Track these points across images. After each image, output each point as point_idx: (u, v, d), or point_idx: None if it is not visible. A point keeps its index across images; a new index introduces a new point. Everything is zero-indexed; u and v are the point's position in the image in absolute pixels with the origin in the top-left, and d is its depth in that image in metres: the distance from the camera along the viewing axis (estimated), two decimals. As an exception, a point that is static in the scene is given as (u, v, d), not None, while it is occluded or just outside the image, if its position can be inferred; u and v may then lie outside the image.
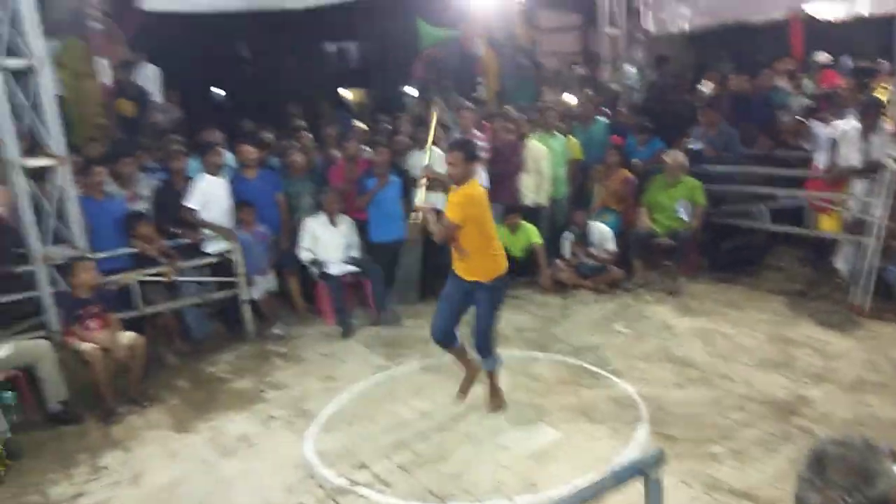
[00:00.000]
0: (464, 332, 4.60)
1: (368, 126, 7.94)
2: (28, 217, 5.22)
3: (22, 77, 5.17)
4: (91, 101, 7.95)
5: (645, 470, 1.95)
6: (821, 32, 9.12)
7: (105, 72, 8.23)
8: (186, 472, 4.17)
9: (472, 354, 4.57)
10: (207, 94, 18.21)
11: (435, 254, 6.03)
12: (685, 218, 6.77)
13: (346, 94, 20.07)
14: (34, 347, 4.93)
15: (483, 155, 6.95)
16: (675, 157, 6.86)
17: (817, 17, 8.03)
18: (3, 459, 4.33)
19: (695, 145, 7.20)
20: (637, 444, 3.99)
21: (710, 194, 6.89)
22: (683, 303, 6.29)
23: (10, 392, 4.82)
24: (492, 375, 4.56)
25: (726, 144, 7.11)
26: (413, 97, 10.62)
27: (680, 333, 5.61)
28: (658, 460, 1.93)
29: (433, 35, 10.68)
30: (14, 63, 5.04)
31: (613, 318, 6.07)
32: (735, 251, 6.89)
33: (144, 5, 8.32)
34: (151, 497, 3.94)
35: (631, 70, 9.19)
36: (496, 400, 4.55)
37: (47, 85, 5.23)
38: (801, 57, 9.47)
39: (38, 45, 5.12)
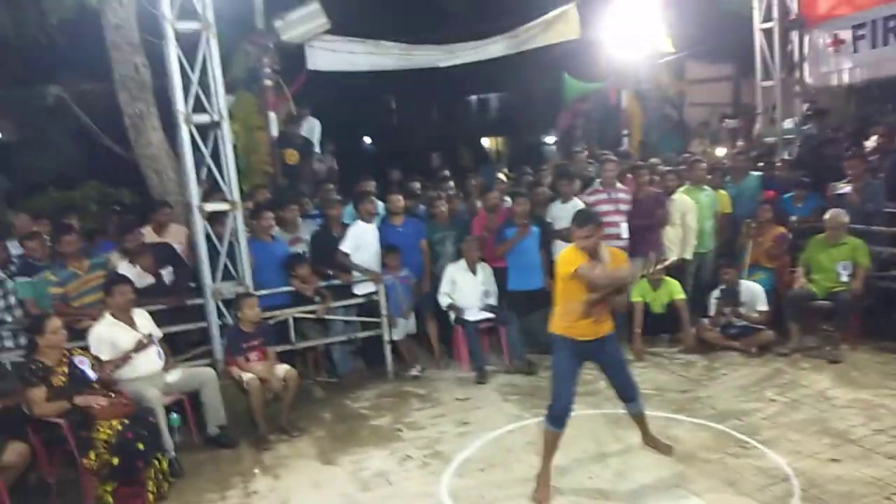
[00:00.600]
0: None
1: (511, 177, 8.12)
2: (203, 255, 5.78)
3: (205, 130, 5.81)
4: (261, 151, 8.71)
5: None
6: None
7: (273, 124, 9.01)
8: (328, 503, 4.38)
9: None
10: (359, 144, 19.40)
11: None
12: (847, 280, 6.31)
13: (486, 142, 20.63)
14: (200, 374, 5.41)
15: (624, 207, 6.91)
16: (837, 214, 6.46)
17: None
18: (168, 476, 4.76)
19: (843, 191, 6.79)
20: (789, 521, 3.73)
21: (876, 257, 6.42)
22: (844, 372, 5.83)
23: (176, 414, 5.31)
24: (639, 421, 4.55)
25: (871, 196, 6.67)
26: (553, 148, 10.79)
27: (839, 405, 5.20)
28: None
29: (579, 88, 10.83)
30: (200, 119, 5.67)
31: (764, 384, 5.73)
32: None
33: (309, 64, 9.09)
34: (296, 524, 4.17)
35: (788, 123, 8.79)
36: (663, 444, 4.55)
37: (226, 138, 5.82)
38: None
39: (221, 103, 5.74)
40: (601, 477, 4.41)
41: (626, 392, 4.40)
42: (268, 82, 8.99)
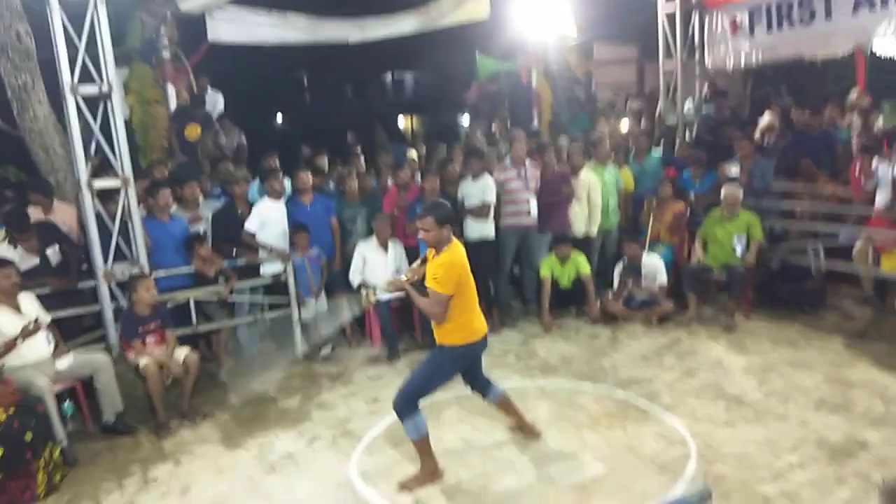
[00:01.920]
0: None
1: (422, 155, 8.07)
2: (93, 235, 5.45)
3: (94, 102, 5.46)
4: (158, 126, 8.27)
5: None
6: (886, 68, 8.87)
7: (172, 98, 8.60)
8: (233, 488, 4.26)
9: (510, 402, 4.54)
10: (270, 121, 18.86)
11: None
12: (741, 253, 6.63)
13: (401, 121, 20.53)
14: (93, 360, 5.12)
15: (533, 185, 6.99)
16: (733, 190, 6.75)
17: (884, 53, 7.81)
18: (61, 466, 4.50)
19: (733, 170, 7.13)
20: (685, 483, 3.88)
21: (765, 230, 6.77)
22: (739, 340, 6.13)
23: (68, 402, 5.03)
24: (421, 449, 4.08)
25: (760, 174, 7.07)
26: (466, 127, 10.82)
27: (734, 371, 5.46)
28: (703, 499, 1.90)
29: (491, 67, 10.84)
30: (87, 89, 5.32)
31: (664, 353, 5.96)
32: (795, 294, 6.68)
33: (211, 36, 8.69)
34: (198, 510, 4.03)
35: (688, 104, 9.10)
36: (415, 479, 4.08)
37: (117, 110, 5.50)
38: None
39: (111, 73, 5.40)
40: (507, 448, 4.46)
41: (484, 382, 4.39)
42: (166, 54, 8.59)
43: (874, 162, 6.25)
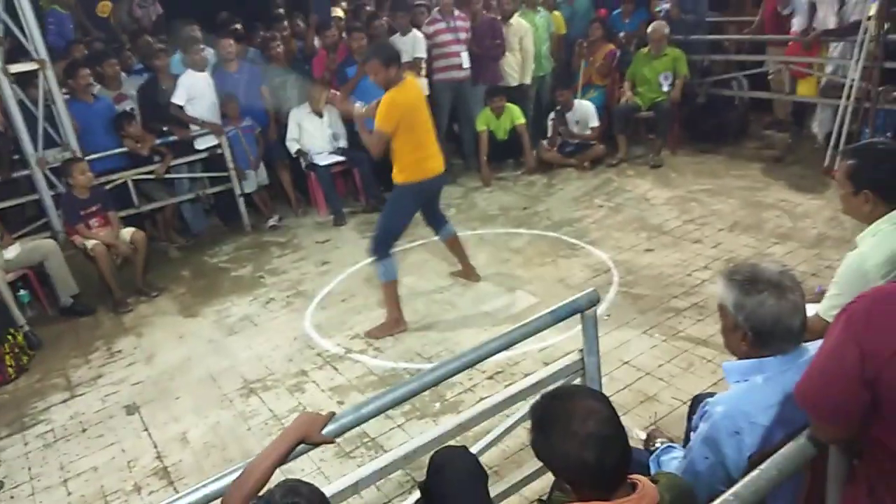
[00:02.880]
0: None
1: (346, 11, 7.84)
2: (19, 122, 5.35)
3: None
4: (66, 1, 7.83)
5: (580, 308, 2.21)
6: None
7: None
8: (196, 351, 4.54)
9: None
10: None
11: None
12: (667, 90, 6.81)
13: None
14: (40, 246, 5.21)
15: (464, 36, 6.94)
16: (659, 26, 6.82)
17: None
18: (26, 350, 4.71)
19: (662, 7, 7.16)
20: (606, 304, 4.29)
21: (693, 65, 6.93)
22: (664, 175, 6.46)
23: (24, 291, 5.17)
24: (388, 293, 4.34)
25: (693, 7, 7.08)
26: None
27: (657, 204, 5.82)
28: (591, 300, 2.19)
29: None
30: (-16, -34, 5.02)
31: (594, 194, 6.27)
32: (717, 126, 6.95)
33: None
34: (165, 373, 4.31)
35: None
36: (380, 328, 4.35)
37: (21, -12, 5.21)
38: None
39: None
40: (449, 291, 4.80)
41: (439, 220, 4.63)
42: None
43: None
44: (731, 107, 7.04)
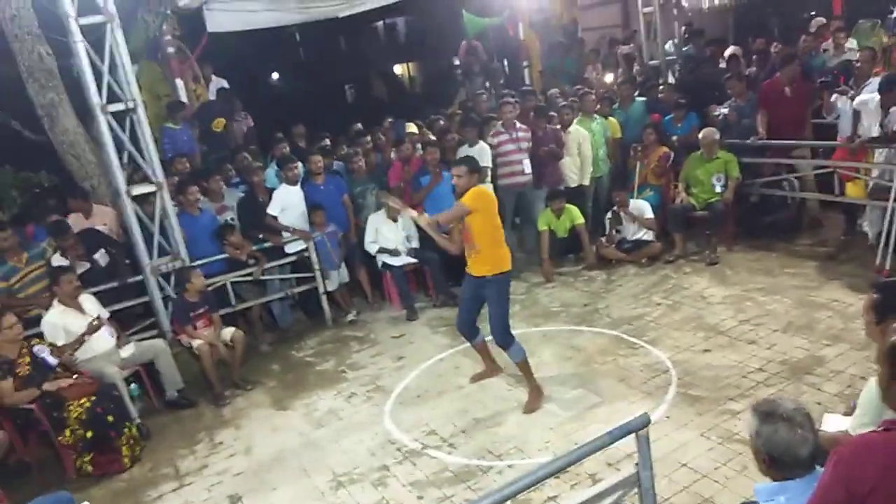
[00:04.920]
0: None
1: (421, 126, 8.60)
2: (137, 236, 6.14)
3: (121, 116, 6.05)
4: (179, 117, 8.83)
5: (634, 429, 2.60)
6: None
7: (181, 91, 9.12)
8: (288, 443, 5.04)
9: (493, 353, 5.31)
10: (267, 81, 19.07)
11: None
12: (720, 191, 7.19)
13: (397, 69, 20.68)
14: (152, 346, 5.89)
15: (525, 145, 7.55)
16: (709, 132, 7.28)
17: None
18: (139, 441, 5.30)
19: (721, 112, 7.60)
20: (666, 405, 4.61)
21: (746, 167, 7.31)
22: (720, 273, 6.77)
23: (135, 385, 5.82)
24: (523, 369, 4.95)
25: (750, 112, 7.49)
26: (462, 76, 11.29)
27: (714, 303, 6.12)
28: (643, 422, 2.58)
29: (478, 24, 11.20)
30: (116, 107, 5.92)
31: (652, 291, 6.63)
32: (771, 224, 7.26)
33: (209, 27, 9.15)
34: (263, 465, 4.81)
35: (669, 46, 9.51)
36: (532, 402, 4.87)
37: (143, 121, 6.09)
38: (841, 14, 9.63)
39: (133, 89, 5.99)
40: (520, 389, 5.18)
41: (495, 339, 4.99)
42: (170, 49, 9.06)
43: (833, 97, 6.74)
44: (784, 206, 7.36)
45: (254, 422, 5.48)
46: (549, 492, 3.91)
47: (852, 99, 6.53)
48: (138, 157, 6.18)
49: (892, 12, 9.29)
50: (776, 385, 4.64)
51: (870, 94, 6.25)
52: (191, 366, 6.06)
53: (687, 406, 4.57)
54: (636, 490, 2.77)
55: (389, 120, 9.19)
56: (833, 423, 3.06)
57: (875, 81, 6.35)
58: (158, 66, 9.02)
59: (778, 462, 2.08)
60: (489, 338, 5.14)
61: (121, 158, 6.11)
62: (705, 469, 3.89)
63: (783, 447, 2.06)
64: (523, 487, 2.43)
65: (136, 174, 6.55)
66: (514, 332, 5.01)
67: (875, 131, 6.12)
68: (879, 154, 6.22)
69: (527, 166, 7.53)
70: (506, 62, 12.02)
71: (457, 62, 12.03)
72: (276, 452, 4.95)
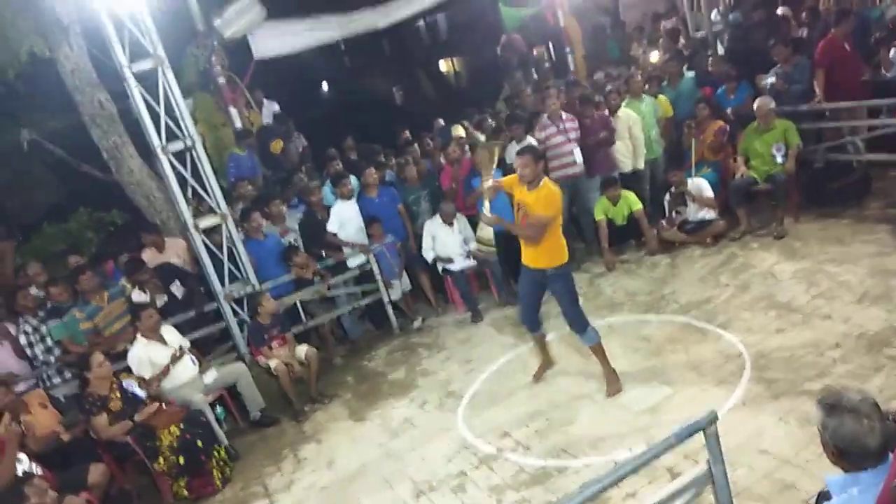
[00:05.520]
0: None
1: (467, 128, 8.65)
2: (208, 266, 6.41)
3: (181, 154, 6.33)
4: (230, 147, 9.16)
5: (701, 427, 2.60)
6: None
7: (235, 118, 9.43)
8: (368, 454, 5.19)
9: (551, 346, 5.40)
10: (317, 93, 19.45)
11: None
12: (781, 161, 6.97)
13: (442, 66, 20.73)
14: (233, 370, 6.16)
15: (574, 136, 7.48)
16: (763, 102, 7.05)
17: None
18: (228, 462, 5.56)
19: (768, 81, 7.36)
20: (741, 391, 4.53)
21: (806, 133, 7.06)
22: (789, 246, 6.56)
23: (220, 408, 6.09)
24: (598, 353, 5.02)
25: (799, 77, 7.23)
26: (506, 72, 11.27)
27: (784, 279, 5.94)
28: (710, 419, 2.58)
29: (516, 17, 11.17)
30: (175, 146, 6.19)
31: (719, 272, 6.49)
32: (839, 190, 6.99)
33: (256, 53, 9.47)
34: (346, 478, 4.98)
35: (715, 15, 9.25)
36: (612, 385, 4.96)
37: (202, 157, 6.35)
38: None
39: (190, 127, 6.25)
40: (590, 385, 5.18)
41: (570, 326, 5.03)
42: (221, 80, 9.38)
43: (892, 51, 6.43)
44: (850, 169, 7.07)
45: (334, 435, 5.66)
46: (627, 488, 3.91)
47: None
48: (201, 191, 6.44)
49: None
50: (854, 361, 4.49)
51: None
52: (270, 385, 6.30)
53: (763, 390, 4.48)
54: (710, 486, 2.76)
55: (440, 121, 9.28)
56: (914, 404, 2.96)
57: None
58: (211, 97, 9.35)
59: (846, 454, 2.06)
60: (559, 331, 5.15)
61: (185, 192, 6.40)
62: (786, 454, 3.81)
63: (850, 439, 2.04)
64: (599, 491, 2.47)
65: (201, 205, 6.84)
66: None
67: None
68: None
69: (578, 156, 7.47)
70: (552, 48, 11.93)
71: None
72: (358, 464, 5.11)
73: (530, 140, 7.40)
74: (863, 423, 2.03)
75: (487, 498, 4.27)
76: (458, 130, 8.48)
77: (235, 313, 6.64)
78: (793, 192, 7.08)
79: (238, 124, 9.47)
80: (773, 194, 7.05)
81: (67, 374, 6.30)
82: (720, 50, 9.10)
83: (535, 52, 11.40)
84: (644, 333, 5.75)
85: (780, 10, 8.95)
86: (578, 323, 4.97)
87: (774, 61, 7.68)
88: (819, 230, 6.70)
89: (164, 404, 5.49)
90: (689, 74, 8.51)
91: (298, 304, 6.86)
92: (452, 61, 22.60)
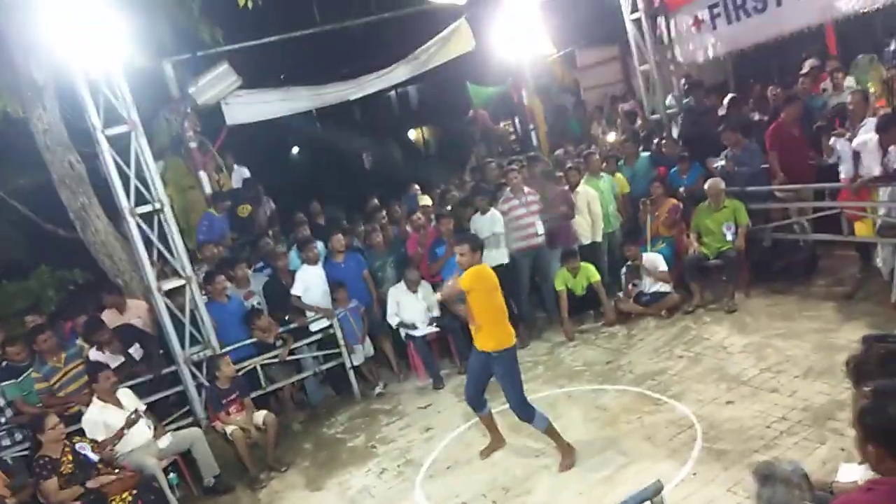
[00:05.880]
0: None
1: (433, 198, 8.90)
2: (169, 329, 6.39)
3: (149, 216, 6.39)
4: (197, 209, 9.24)
5: (648, 497, 2.70)
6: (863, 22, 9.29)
7: (205, 182, 9.53)
8: (323, 524, 5.14)
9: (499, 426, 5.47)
10: (286, 156, 19.71)
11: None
12: (731, 239, 7.30)
13: (412, 134, 21.29)
14: (189, 435, 6.07)
15: (536, 208, 7.75)
16: (714, 183, 7.43)
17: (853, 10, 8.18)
18: (180, 529, 5.44)
19: (718, 164, 7.77)
20: (692, 462, 4.64)
21: (754, 212, 7.42)
22: (739, 320, 6.80)
23: (173, 474, 5.97)
24: (551, 433, 5.07)
25: (748, 160, 7.65)
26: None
27: (734, 352, 6.15)
28: (657, 489, 2.68)
29: (483, 94, 11.64)
30: (144, 209, 6.26)
31: (674, 343, 6.68)
32: (787, 268, 7.32)
33: (228, 120, 9.67)
34: (300, 547, 4.91)
35: (670, 99, 9.77)
36: (566, 459, 5.01)
37: (170, 220, 6.42)
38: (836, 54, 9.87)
39: (160, 191, 6.35)
40: (547, 454, 5.24)
41: (516, 413, 5.12)
42: (192, 144, 9.51)
43: (831, 139, 6.89)
44: (797, 248, 7.43)
45: (290, 504, 5.59)
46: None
47: (850, 140, 6.67)
48: (167, 254, 6.48)
49: (888, 45, 9.50)
50: (799, 433, 4.66)
51: (868, 135, 6.39)
52: (227, 451, 6.21)
53: (713, 461, 4.60)
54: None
55: (416, 187, 9.53)
56: (849, 474, 3.11)
57: (871, 122, 6.50)
58: (182, 161, 9.47)
59: (778, 522, 2.19)
60: (502, 407, 5.23)
61: (150, 255, 6.43)
62: (735, 525, 3.92)
63: None
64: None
65: (165, 267, 6.86)
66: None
67: (876, 171, 6.24)
68: (884, 192, 6.31)
69: (539, 228, 7.71)
70: (518, 124, 12.41)
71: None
72: (313, 534, 5.05)
73: (493, 213, 7.64)
74: (794, 494, 2.17)
75: (444, 568, 4.26)
76: (425, 200, 8.72)
77: (194, 377, 6.58)
78: (743, 268, 7.39)
79: (207, 188, 9.58)
80: (724, 270, 7.35)
81: (18, 436, 6.13)
82: (674, 132, 9.57)
83: (501, 126, 11.84)
84: (601, 403, 5.87)
85: (730, 96, 9.50)
86: (523, 411, 5.05)
87: (724, 145, 8.13)
88: (768, 305, 6.98)
89: (116, 469, 5.37)
90: (645, 154, 8.93)
91: (259, 368, 6.83)
92: (422, 130, 23.21)
